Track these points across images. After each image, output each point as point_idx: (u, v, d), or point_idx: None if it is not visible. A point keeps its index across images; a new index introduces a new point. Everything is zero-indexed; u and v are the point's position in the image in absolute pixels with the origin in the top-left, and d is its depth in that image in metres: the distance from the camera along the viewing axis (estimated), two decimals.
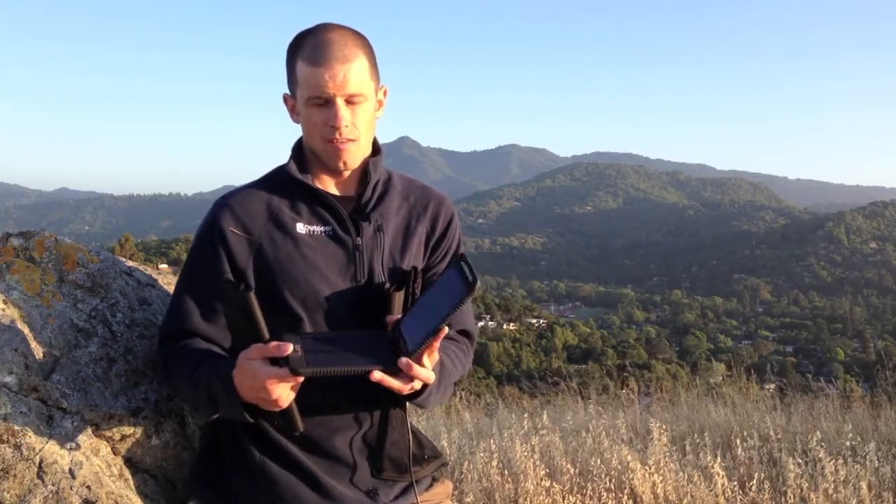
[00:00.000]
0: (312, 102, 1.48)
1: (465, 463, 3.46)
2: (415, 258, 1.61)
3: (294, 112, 1.56)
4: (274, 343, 1.29)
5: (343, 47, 1.47)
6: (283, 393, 1.31)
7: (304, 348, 1.31)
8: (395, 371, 1.32)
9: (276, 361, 1.29)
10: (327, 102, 1.47)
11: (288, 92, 1.56)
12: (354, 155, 1.53)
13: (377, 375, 1.31)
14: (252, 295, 1.34)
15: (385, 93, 1.60)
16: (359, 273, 1.54)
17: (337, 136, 1.48)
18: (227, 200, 1.56)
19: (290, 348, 1.28)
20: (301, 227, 1.54)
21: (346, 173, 1.58)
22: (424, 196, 1.67)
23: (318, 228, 1.54)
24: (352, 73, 1.46)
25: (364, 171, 1.60)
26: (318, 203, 1.56)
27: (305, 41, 1.48)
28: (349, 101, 1.48)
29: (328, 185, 1.59)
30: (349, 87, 1.46)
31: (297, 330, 1.48)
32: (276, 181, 1.59)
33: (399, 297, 1.52)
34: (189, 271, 1.56)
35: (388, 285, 1.53)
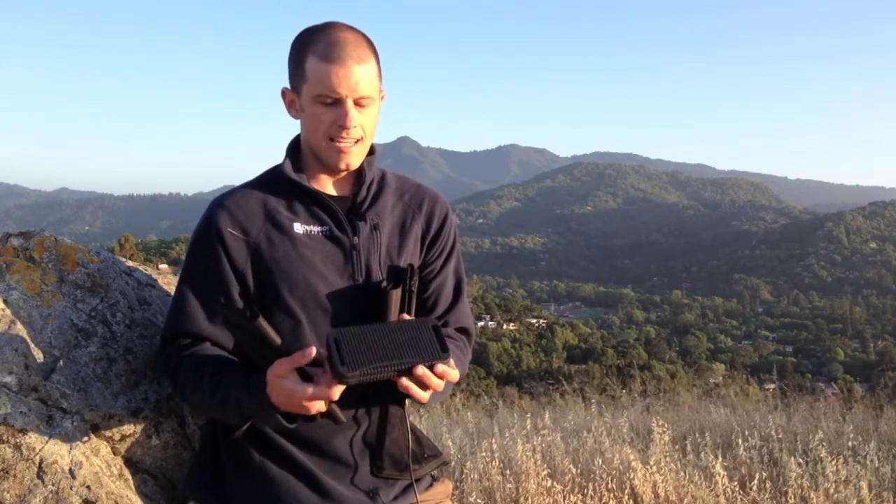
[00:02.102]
0: (321, 100, 1.47)
1: (467, 463, 3.46)
2: (411, 256, 1.60)
3: (293, 107, 1.55)
4: (298, 353, 1.30)
5: (358, 48, 1.47)
6: (322, 404, 1.33)
7: (342, 347, 1.28)
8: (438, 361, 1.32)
9: (305, 371, 1.30)
10: (336, 102, 1.47)
11: (288, 86, 1.54)
12: (358, 156, 1.54)
13: (408, 380, 1.32)
14: (262, 321, 1.34)
15: (383, 97, 1.60)
16: (357, 272, 1.53)
17: (344, 135, 1.48)
18: (224, 201, 1.56)
19: (313, 351, 1.28)
20: (298, 227, 1.53)
21: (344, 173, 1.58)
22: (419, 194, 1.67)
23: (315, 228, 1.54)
24: (364, 75, 1.46)
25: (359, 170, 1.60)
26: (314, 203, 1.56)
27: (318, 38, 1.47)
28: (358, 103, 1.48)
29: (323, 184, 1.59)
30: (361, 89, 1.46)
31: (296, 330, 1.48)
32: (271, 181, 1.58)
33: (396, 295, 1.52)
34: (189, 272, 1.55)
35: (385, 283, 1.53)
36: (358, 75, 1.45)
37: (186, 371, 1.48)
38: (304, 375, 1.33)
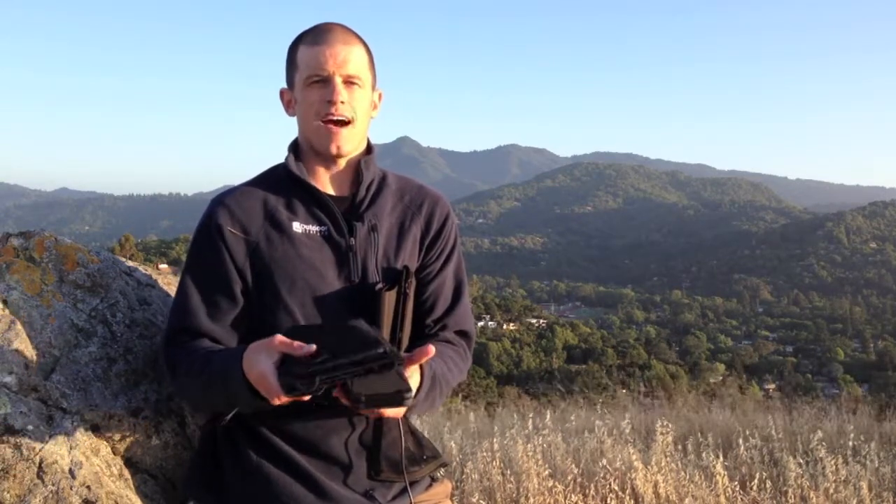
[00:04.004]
0: (311, 81, 1.50)
1: (467, 463, 3.46)
2: (409, 258, 1.60)
3: (290, 106, 1.58)
4: (299, 344, 1.24)
5: (345, 34, 1.53)
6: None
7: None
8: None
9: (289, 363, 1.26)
10: (326, 81, 1.50)
11: (286, 86, 1.58)
12: (347, 140, 1.54)
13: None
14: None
15: (380, 96, 1.63)
16: (353, 273, 1.53)
17: (333, 110, 1.49)
18: (224, 199, 1.57)
19: (313, 349, 1.23)
20: (297, 227, 1.54)
21: (341, 161, 1.58)
22: (419, 195, 1.67)
23: (313, 228, 1.54)
24: (352, 54, 1.51)
25: (357, 170, 1.60)
26: (313, 202, 1.56)
27: (308, 31, 1.54)
28: (347, 82, 1.51)
29: (323, 183, 1.59)
30: (348, 68, 1.50)
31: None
32: (271, 180, 1.59)
33: (391, 297, 1.52)
34: (191, 270, 1.55)
35: (379, 285, 1.53)
36: (345, 54, 1.50)
37: (183, 360, 1.48)
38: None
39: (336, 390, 1.28)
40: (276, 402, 1.28)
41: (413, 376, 1.38)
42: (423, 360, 1.36)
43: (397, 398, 1.25)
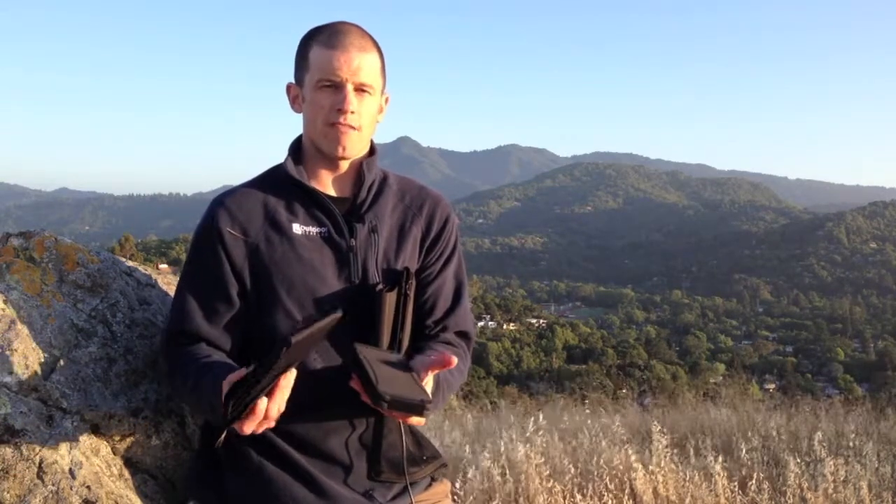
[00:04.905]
0: (322, 84, 1.49)
1: (467, 463, 3.46)
2: (409, 259, 1.60)
3: (296, 102, 1.57)
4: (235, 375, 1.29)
5: (361, 38, 1.51)
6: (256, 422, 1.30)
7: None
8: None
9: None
10: (337, 86, 1.49)
11: (293, 82, 1.58)
12: (354, 143, 1.54)
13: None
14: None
15: (387, 100, 1.62)
16: (353, 274, 1.53)
17: (342, 119, 1.49)
18: (224, 200, 1.57)
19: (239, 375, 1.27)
20: (297, 228, 1.54)
21: (344, 163, 1.58)
22: (420, 197, 1.67)
23: (313, 229, 1.54)
24: (366, 62, 1.50)
25: (359, 171, 1.60)
26: (313, 204, 1.56)
27: (322, 30, 1.52)
28: (358, 90, 1.50)
29: (324, 184, 1.60)
30: (361, 76, 1.49)
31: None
32: (271, 180, 1.59)
33: (391, 298, 1.52)
34: (189, 272, 1.56)
35: (380, 286, 1.53)
36: (359, 61, 1.48)
37: (179, 369, 1.49)
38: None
39: (355, 382, 1.31)
40: (248, 429, 1.29)
41: (429, 383, 1.40)
42: (443, 370, 1.40)
43: (419, 407, 1.27)
